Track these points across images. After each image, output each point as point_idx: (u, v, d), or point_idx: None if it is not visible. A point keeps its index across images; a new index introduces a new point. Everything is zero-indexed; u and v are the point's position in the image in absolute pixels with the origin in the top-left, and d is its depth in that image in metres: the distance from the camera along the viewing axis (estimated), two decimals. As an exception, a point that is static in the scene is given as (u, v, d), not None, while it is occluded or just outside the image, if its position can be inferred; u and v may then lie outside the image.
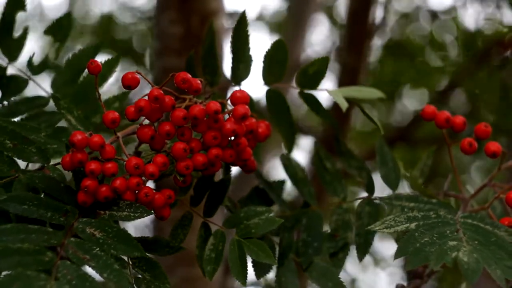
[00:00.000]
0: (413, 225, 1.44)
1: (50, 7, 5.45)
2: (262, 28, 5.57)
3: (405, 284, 1.64)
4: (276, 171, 4.85)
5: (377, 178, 1.76)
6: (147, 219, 4.02)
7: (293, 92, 1.70)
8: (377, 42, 4.64)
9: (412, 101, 4.94)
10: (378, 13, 4.11)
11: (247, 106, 1.47)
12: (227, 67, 1.74)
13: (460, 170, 4.60)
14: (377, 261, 5.50)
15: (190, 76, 1.45)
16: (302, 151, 5.19)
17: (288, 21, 5.10)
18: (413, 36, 4.62)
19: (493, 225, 1.46)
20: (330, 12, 5.28)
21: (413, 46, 4.59)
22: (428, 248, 1.36)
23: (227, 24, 2.52)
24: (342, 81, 3.63)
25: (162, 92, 1.43)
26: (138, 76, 1.45)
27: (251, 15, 5.50)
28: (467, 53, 4.51)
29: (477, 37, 4.48)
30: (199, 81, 1.47)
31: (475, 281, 1.29)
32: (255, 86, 1.71)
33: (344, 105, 1.64)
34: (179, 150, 1.44)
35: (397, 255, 1.37)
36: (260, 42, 5.32)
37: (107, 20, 5.40)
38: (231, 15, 4.04)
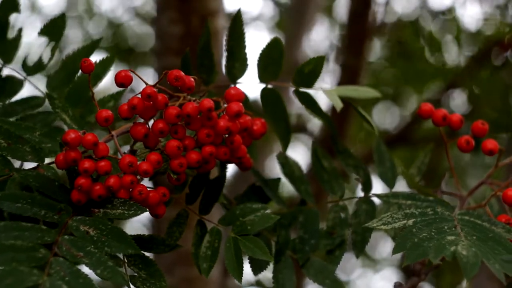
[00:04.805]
0: (410, 222, 1.44)
1: (48, 6, 5.47)
2: (262, 27, 5.59)
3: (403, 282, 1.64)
4: (277, 169, 4.86)
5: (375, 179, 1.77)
6: (145, 219, 4.04)
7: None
8: (377, 43, 4.65)
9: (412, 101, 4.95)
10: (378, 13, 4.12)
11: (241, 104, 1.47)
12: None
13: (459, 169, 4.59)
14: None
15: (183, 74, 1.45)
16: (303, 150, 5.21)
17: (287, 21, 5.11)
18: (413, 36, 4.62)
19: (491, 222, 1.46)
20: (329, 12, 5.29)
21: (413, 46, 4.59)
22: (426, 243, 1.36)
23: (227, 23, 2.52)
24: (342, 82, 3.63)
25: (155, 90, 1.43)
26: (132, 74, 1.45)
27: (250, 14, 5.52)
28: (467, 53, 4.51)
29: (477, 37, 4.47)
30: (192, 79, 1.47)
31: (474, 274, 1.29)
32: (253, 84, 1.71)
33: (338, 105, 1.64)
34: (173, 148, 1.43)
35: (395, 250, 1.37)
36: (259, 41, 5.33)
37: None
38: (231, 15, 4.04)
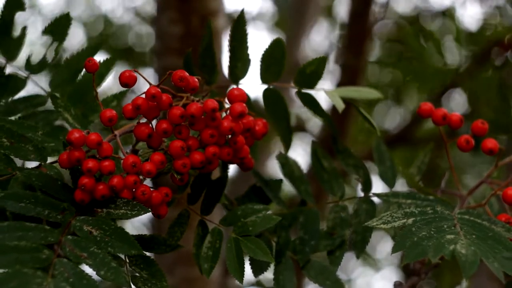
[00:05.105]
0: (410, 221, 1.44)
1: (48, 5, 5.46)
2: (261, 27, 5.59)
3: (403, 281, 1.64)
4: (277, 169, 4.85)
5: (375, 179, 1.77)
6: (146, 218, 4.04)
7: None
8: (377, 43, 4.65)
9: (412, 101, 4.95)
10: (378, 13, 4.11)
11: (244, 104, 1.47)
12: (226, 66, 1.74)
13: (458, 169, 4.59)
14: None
15: (187, 74, 1.45)
16: (303, 150, 5.21)
17: (287, 21, 5.11)
18: (413, 36, 4.62)
19: (490, 221, 1.47)
20: (329, 12, 5.28)
21: (413, 46, 4.59)
22: (425, 242, 1.36)
23: (227, 23, 2.53)
24: (342, 82, 3.63)
25: (159, 90, 1.43)
26: (136, 74, 1.45)
27: (250, 14, 5.51)
28: (467, 53, 4.51)
29: (477, 37, 4.47)
30: (196, 79, 1.47)
31: (473, 273, 1.30)
32: (254, 85, 1.71)
33: (340, 105, 1.64)
34: (177, 148, 1.44)
35: (394, 249, 1.38)
36: (260, 41, 5.33)
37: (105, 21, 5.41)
38: (231, 15, 4.05)
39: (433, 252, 1.34)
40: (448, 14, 4.59)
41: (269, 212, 1.56)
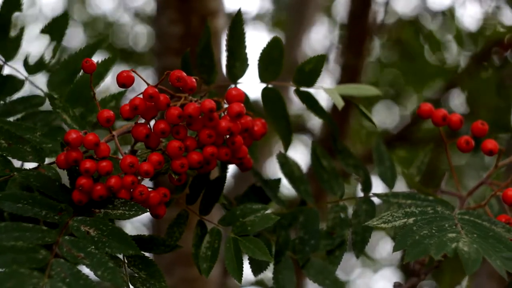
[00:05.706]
0: (411, 220, 1.44)
1: (48, 5, 5.47)
2: (261, 27, 5.59)
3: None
4: (276, 171, 4.86)
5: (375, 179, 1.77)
6: (146, 219, 4.04)
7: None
8: (377, 42, 4.65)
9: (412, 101, 4.95)
10: (378, 13, 4.12)
11: (242, 104, 1.47)
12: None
13: (457, 170, 4.59)
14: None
15: (184, 74, 1.45)
16: (303, 150, 5.21)
17: (287, 20, 5.11)
18: (413, 36, 4.62)
19: (490, 222, 1.47)
20: (329, 12, 5.29)
21: (413, 46, 4.59)
22: (427, 241, 1.36)
23: (227, 23, 2.53)
24: (342, 82, 3.63)
25: (156, 90, 1.43)
26: (133, 74, 1.45)
27: (250, 14, 5.51)
28: (467, 53, 4.51)
29: (477, 37, 4.47)
30: (194, 79, 1.47)
31: (475, 270, 1.29)
32: (253, 84, 1.71)
33: (340, 103, 1.64)
34: (174, 149, 1.44)
35: (396, 248, 1.37)
36: (260, 41, 5.33)
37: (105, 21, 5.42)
38: (231, 15, 4.05)
39: (435, 250, 1.33)
40: (448, 14, 4.59)
41: (268, 211, 1.56)
